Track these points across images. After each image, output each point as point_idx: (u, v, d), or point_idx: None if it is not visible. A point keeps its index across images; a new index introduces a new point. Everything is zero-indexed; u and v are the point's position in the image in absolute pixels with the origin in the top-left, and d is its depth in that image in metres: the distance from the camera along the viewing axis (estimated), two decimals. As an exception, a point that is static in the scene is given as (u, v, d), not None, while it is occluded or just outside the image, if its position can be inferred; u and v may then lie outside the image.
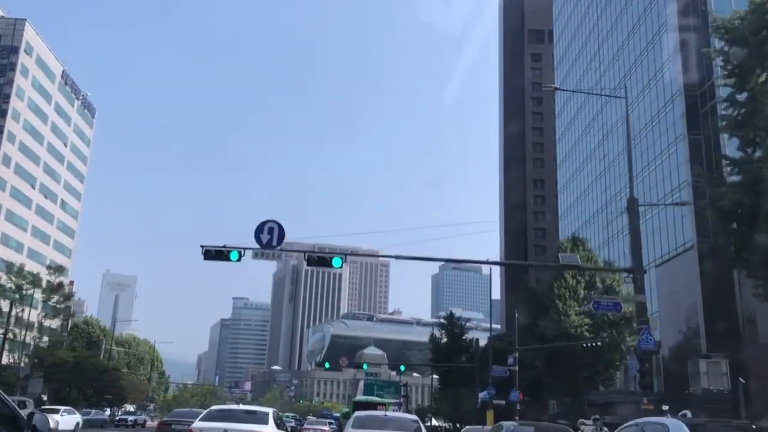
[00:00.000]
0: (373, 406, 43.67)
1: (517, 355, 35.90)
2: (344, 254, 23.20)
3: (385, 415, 16.19)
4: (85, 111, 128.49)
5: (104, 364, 67.55)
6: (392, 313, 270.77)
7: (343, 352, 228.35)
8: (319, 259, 22.29)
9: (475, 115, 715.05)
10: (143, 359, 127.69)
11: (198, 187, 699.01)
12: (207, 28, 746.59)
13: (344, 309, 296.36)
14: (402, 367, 50.61)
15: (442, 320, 68.03)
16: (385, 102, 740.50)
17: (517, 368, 36.00)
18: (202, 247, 21.26)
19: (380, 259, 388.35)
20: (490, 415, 39.18)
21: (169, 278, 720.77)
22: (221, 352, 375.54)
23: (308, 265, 22.91)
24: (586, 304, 36.97)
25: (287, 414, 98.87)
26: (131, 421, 53.65)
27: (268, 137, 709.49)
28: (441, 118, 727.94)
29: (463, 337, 67.26)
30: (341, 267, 22.25)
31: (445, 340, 67.11)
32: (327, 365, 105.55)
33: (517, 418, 33.81)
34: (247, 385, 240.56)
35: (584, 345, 34.35)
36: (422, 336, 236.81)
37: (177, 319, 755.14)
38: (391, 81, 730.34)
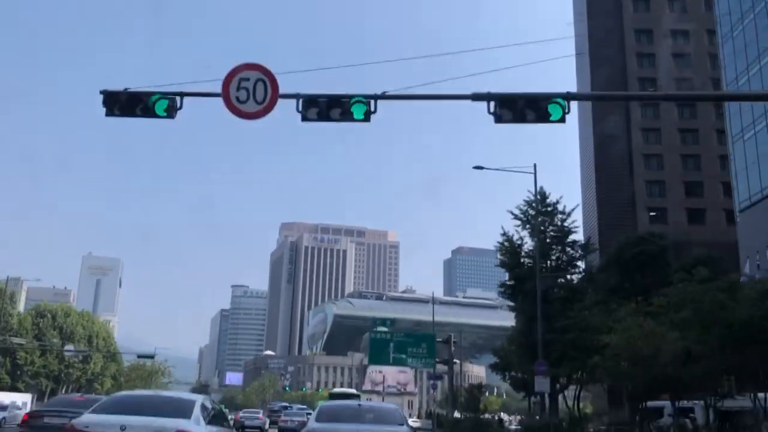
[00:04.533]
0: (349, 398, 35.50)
1: None
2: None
3: (360, 405, 13.49)
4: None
5: None
6: (404, 292, 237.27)
7: (347, 334, 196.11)
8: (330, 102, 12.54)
9: None
10: (73, 334, 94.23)
11: (190, 173, 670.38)
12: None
13: (349, 291, 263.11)
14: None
15: (524, 207, 34.00)
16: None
17: None
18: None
19: (389, 239, 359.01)
20: None
21: (170, 271, 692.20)
22: (221, 344, 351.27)
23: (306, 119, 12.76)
24: None
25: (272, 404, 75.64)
26: None
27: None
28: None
29: (569, 240, 33.49)
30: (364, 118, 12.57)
31: (528, 241, 33.33)
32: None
33: None
34: (234, 377, 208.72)
35: None
36: (440, 316, 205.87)
37: (180, 314, 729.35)
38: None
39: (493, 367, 55.27)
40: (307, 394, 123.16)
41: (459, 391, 44.66)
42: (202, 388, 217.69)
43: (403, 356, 37.73)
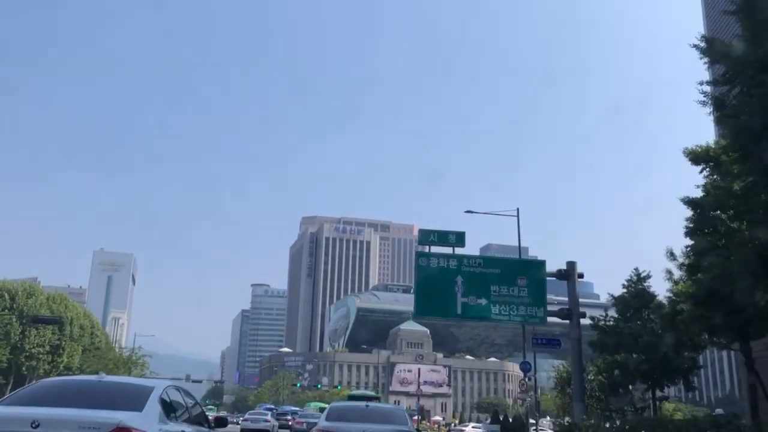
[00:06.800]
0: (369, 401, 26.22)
1: None
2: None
3: (367, 406, 14.05)
4: None
5: None
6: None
7: (372, 330, 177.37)
8: None
9: None
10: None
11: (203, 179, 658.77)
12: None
13: (374, 285, 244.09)
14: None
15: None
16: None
17: None
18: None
19: (415, 234, 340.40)
20: None
21: (195, 275, 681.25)
22: (243, 345, 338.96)
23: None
24: None
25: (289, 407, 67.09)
26: None
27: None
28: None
29: None
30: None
31: None
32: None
33: None
34: (251, 378, 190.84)
35: None
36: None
37: (205, 316, 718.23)
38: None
39: (594, 346, 36.65)
40: (325, 394, 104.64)
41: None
42: (212, 389, 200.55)
43: (483, 302, 19.10)
